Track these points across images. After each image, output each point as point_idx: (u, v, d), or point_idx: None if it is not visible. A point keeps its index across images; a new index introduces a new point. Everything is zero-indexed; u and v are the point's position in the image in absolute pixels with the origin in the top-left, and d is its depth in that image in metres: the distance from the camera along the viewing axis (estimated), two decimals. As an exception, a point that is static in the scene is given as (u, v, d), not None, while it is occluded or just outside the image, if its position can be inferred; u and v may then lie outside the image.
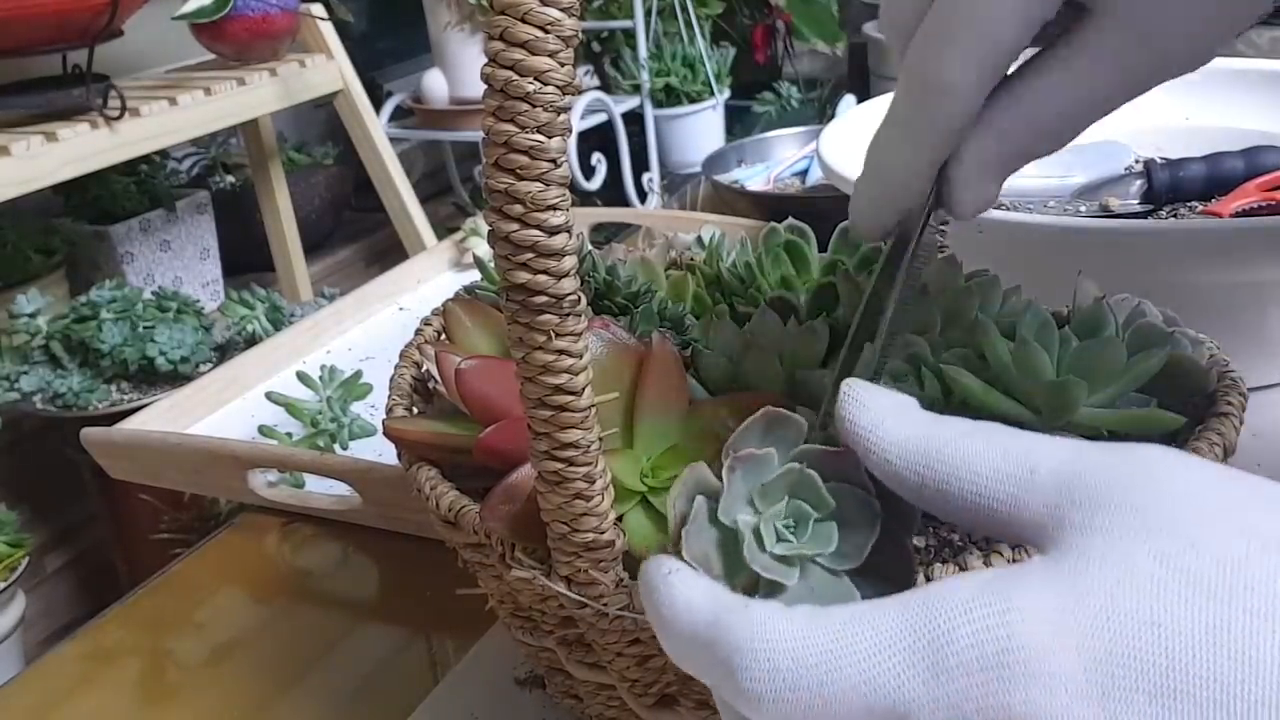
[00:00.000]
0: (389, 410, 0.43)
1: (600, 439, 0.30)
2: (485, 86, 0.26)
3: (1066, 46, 0.33)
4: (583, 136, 1.70)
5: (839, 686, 0.21)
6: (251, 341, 1.22)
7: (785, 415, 0.29)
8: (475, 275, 0.84)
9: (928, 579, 0.29)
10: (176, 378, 1.24)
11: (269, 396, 0.73)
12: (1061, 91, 0.33)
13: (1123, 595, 0.20)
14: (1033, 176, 0.79)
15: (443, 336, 0.48)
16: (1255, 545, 0.20)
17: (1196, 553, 0.20)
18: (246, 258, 1.70)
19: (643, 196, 1.79)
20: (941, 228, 0.48)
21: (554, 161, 0.27)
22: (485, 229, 0.28)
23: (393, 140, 1.59)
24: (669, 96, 1.79)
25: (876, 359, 0.35)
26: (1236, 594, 0.19)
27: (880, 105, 0.88)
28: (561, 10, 0.25)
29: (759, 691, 0.22)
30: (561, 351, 0.28)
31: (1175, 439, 0.36)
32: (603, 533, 0.31)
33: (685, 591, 0.24)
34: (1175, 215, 0.73)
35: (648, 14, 1.79)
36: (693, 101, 1.80)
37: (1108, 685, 0.19)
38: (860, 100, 1.14)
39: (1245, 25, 0.33)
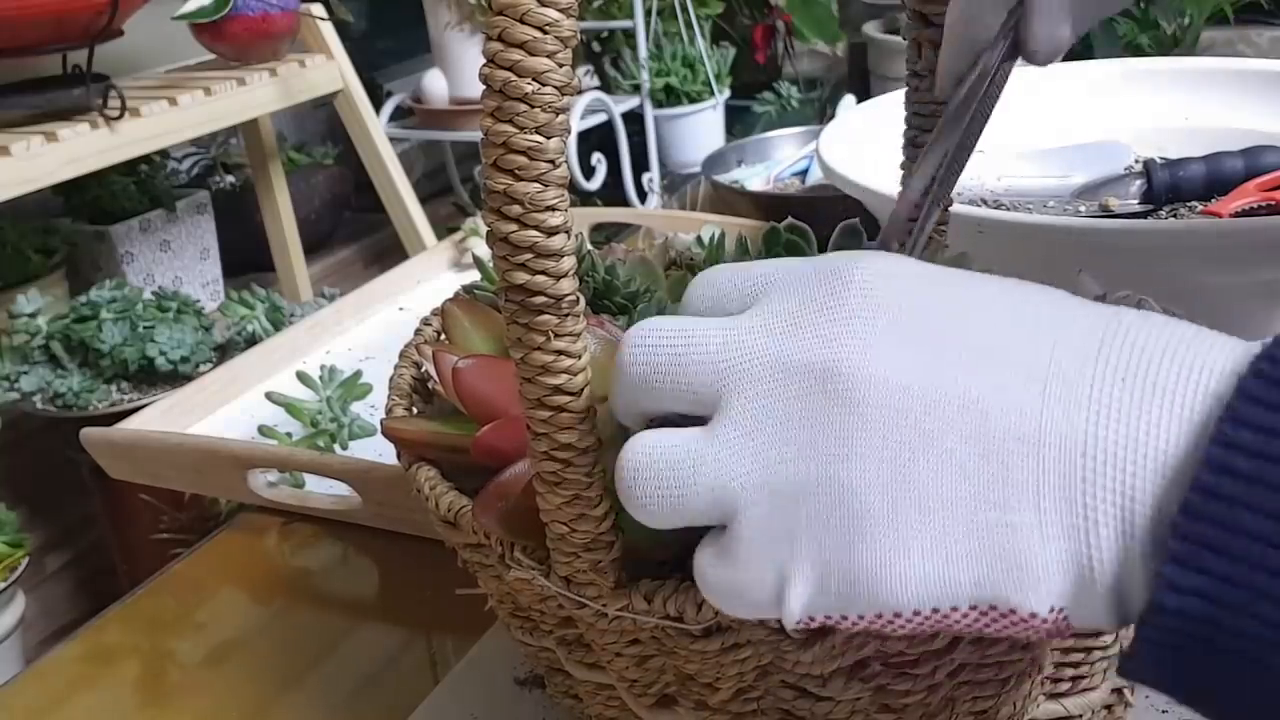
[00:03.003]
0: (388, 410, 0.43)
1: (600, 439, 0.30)
2: (484, 87, 0.26)
3: None
4: (583, 136, 1.70)
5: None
6: (251, 341, 1.22)
7: None
8: (475, 275, 0.84)
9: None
10: (176, 378, 1.24)
11: (269, 396, 0.73)
12: None
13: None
14: (1033, 176, 0.79)
15: (442, 336, 0.48)
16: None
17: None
18: (246, 258, 1.70)
19: (643, 196, 1.79)
20: (941, 227, 0.48)
21: (552, 162, 0.27)
22: (485, 229, 0.28)
23: (393, 140, 1.59)
24: (669, 96, 1.79)
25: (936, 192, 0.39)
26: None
27: (880, 105, 0.88)
28: (560, 11, 0.25)
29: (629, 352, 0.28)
30: (560, 352, 0.28)
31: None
32: (602, 533, 0.31)
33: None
34: (1175, 215, 0.73)
35: (648, 14, 1.79)
36: (693, 101, 1.80)
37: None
38: (860, 100, 1.14)
39: None
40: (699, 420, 0.28)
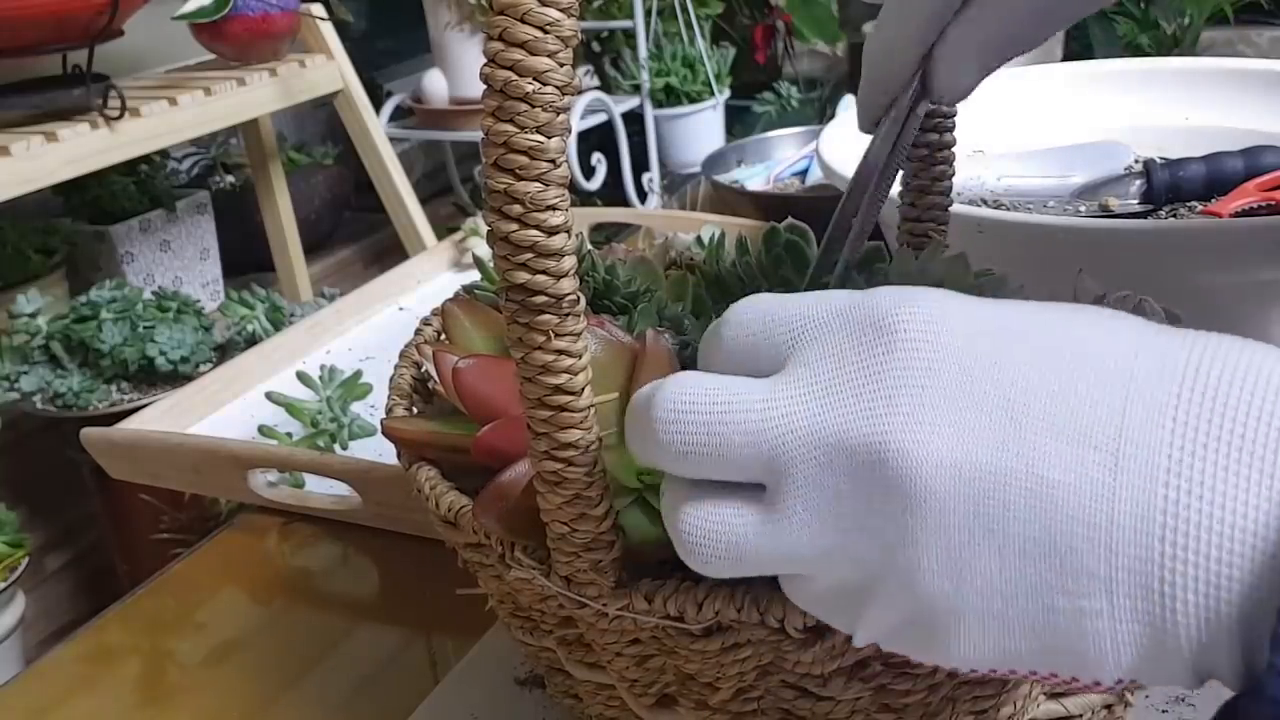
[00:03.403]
0: (389, 410, 0.43)
1: (599, 438, 0.30)
2: (485, 87, 0.26)
3: None
4: (583, 136, 1.70)
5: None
6: (251, 341, 1.22)
7: None
8: (475, 275, 0.84)
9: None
10: (176, 378, 1.24)
11: (269, 396, 0.73)
12: None
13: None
14: (1033, 176, 0.79)
15: (442, 336, 0.48)
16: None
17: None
18: (246, 258, 1.70)
19: (643, 196, 1.79)
20: (941, 227, 0.48)
21: (553, 162, 0.27)
22: (485, 229, 0.28)
23: (393, 140, 1.59)
24: (669, 96, 1.79)
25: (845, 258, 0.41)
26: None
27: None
28: (561, 10, 0.25)
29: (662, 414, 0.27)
30: (561, 352, 0.28)
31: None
32: (602, 533, 0.31)
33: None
34: (1175, 215, 0.73)
35: (648, 14, 1.79)
36: (693, 101, 1.80)
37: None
38: (860, 100, 1.14)
39: None
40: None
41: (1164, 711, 0.44)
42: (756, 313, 0.28)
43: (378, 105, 1.67)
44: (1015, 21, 0.37)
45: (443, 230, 1.38)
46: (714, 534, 0.26)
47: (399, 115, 1.85)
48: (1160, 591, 0.22)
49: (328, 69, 1.44)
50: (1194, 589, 0.21)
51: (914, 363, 0.24)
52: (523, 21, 0.25)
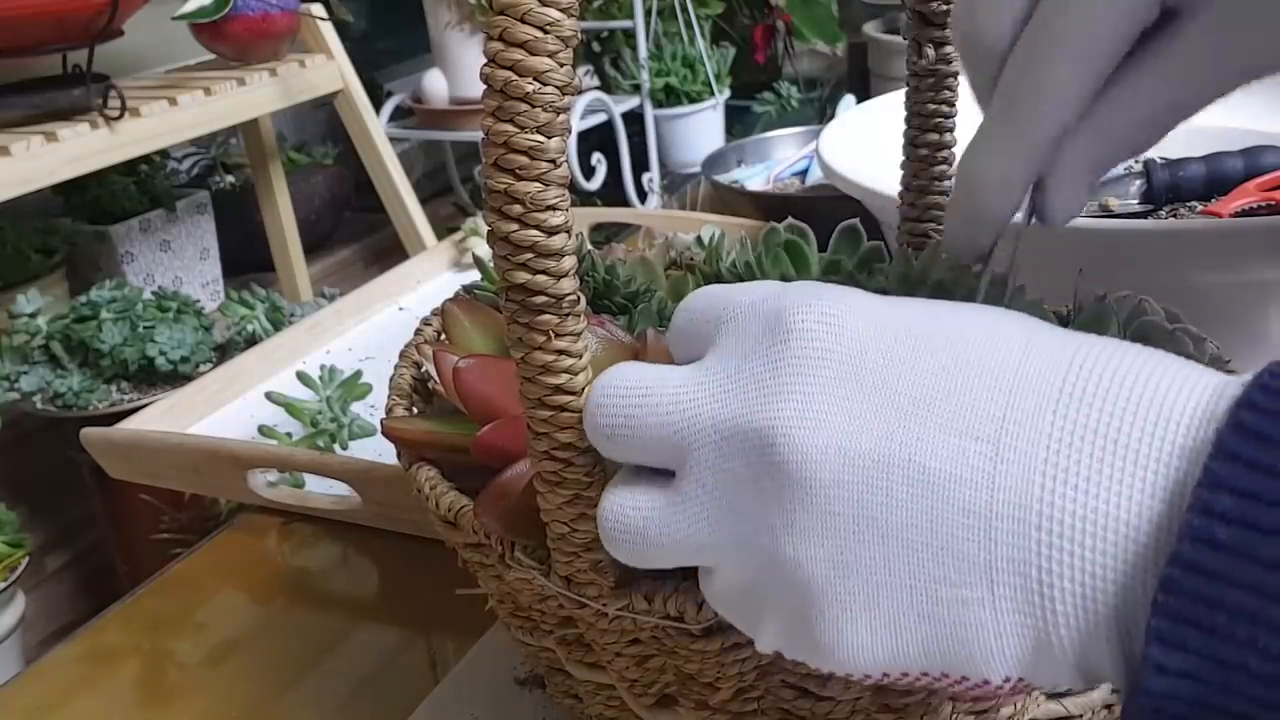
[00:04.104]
0: (388, 410, 0.43)
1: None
2: (485, 87, 0.26)
3: (1160, 50, 0.34)
4: (583, 136, 1.70)
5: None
6: (251, 341, 1.22)
7: None
8: (475, 275, 0.84)
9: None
10: (176, 378, 1.24)
11: (269, 396, 0.73)
12: (1157, 95, 0.34)
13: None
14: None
15: (442, 336, 0.48)
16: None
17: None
18: (246, 258, 1.70)
19: (643, 196, 1.79)
20: (941, 227, 0.48)
21: (553, 162, 0.27)
22: (485, 229, 0.28)
23: (393, 140, 1.59)
24: (669, 96, 1.79)
25: None
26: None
27: (880, 105, 0.88)
28: (561, 10, 0.25)
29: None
30: (561, 351, 0.28)
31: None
32: (602, 533, 0.31)
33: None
34: (1175, 215, 0.73)
35: (648, 14, 1.79)
36: (693, 101, 1.80)
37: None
38: (860, 100, 1.14)
39: None
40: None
41: (1164, 711, 0.44)
42: (700, 302, 0.30)
43: (378, 105, 1.67)
44: (1130, 131, 0.34)
45: (443, 230, 1.38)
46: (623, 516, 0.28)
47: (399, 115, 1.85)
48: (1039, 580, 0.22)
49: (328, 69, 1.44)
50: (1070, 578, 0.22)
51: (808, 354, 0.25)
52: (523, 21, 0.25)
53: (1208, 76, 0.34)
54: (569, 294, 0.28)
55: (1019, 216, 0.36)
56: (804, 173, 1.17)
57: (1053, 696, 0.36)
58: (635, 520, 0.28)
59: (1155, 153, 0.80)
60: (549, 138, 0.26)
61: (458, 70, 1.73)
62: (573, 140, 1.60)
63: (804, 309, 0.26)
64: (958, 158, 0.43)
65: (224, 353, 1.28)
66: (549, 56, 0.26)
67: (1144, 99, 0.34)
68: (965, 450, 0.23)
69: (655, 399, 0.27)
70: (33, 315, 1.25)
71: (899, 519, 0.23)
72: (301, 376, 0.74)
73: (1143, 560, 0.21)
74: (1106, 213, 0.73)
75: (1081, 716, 0.36)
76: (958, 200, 0.36)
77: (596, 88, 1.84)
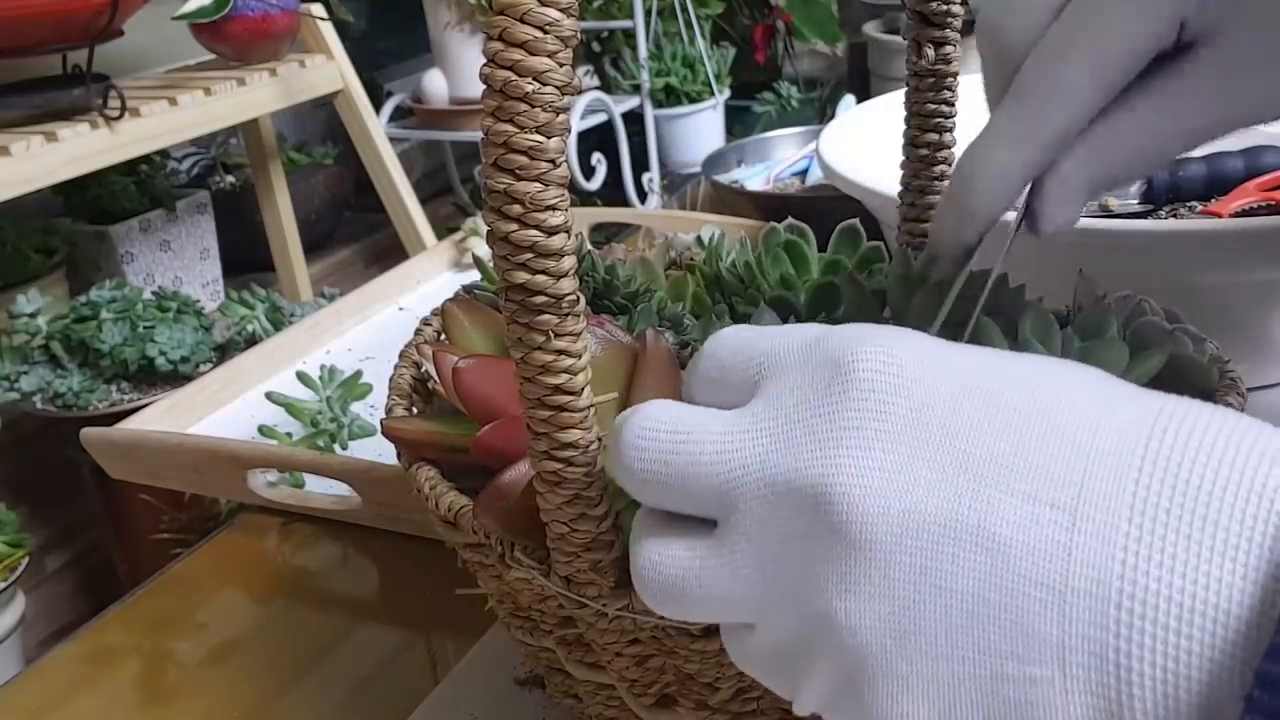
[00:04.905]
0: (389, 410, 0.43)
1: (600, 439, 0.30)
2: (484, 87, 0.26)
3: (1171, 78, 0.34)
4: (583, 136, 1.70)
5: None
6: (251, 341, 1.22)
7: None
8: (475, 275, 0.84)
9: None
10: (176, 378, 1.24)
11: (269, 396, 0.73)
12: (1161, 120, 0.34)
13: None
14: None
15: (442, 336, 0.48)
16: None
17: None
18: (246, 258, 1.70)
19: (643, 196, 1.79)
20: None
21: (553, 162, 0.27)
22: (485, 229, 0.28)
23: (393, 140, 1.59)
24: (669, 96, 1.79)
25: None
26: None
27: (880, 105, 0.88)
28: (560, 10, 0.25)
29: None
30: (560, 351, 0.28)
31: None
32: (602, 533, 0.31)
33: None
34: (1175, 215, 0.73)
35: (648, 14, 1.79)
36: (693, 101, 1.80)
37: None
38: (860, 100, 1.14)
39: None
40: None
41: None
42: (727, 346, 0.28)
43: (378, 105, 1.67)
44: (1132, 155, 0.35)
45: (443, 230, 1.38)
46: (662, 569, 0.26)
47: (399, 115, 1.85)
48: (1116, 662, 0.20)
49: (328, 69, 1.44)
50: (1151, 663, 0.20)
51: (869, 404, 0.24)
52: (522, 21, 0.25)
53: (1212, 114, 0.35)
54: (569, 294, 0.28)
55: (1010, 216, 0.36)
56: (804, 173, 1.17)
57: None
58: (675, 574, 0.26)
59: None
60: (549, 138, 0.26)
61: (458, 70, 1.73)
62: (573, 140, 1.60)
63: (863, 354, 0.24)
64: (958, 158, 0.43)
65: (224, 353, 1.28)
66: (549, 56, 0.26)
67: (1146, 125, 0.34)
68: (1039, 518, 0.21)
69: (697, 444, 0.25)
70: (33, 315, 1.25)
71: (964, 588, 0.22)
72: (301, 376, 0.74)
73: (1234, 650, 0.20)
74: (1106, 213, 0.73)
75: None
76: (951, 193, 0.36)
77: (596, 88, 1.84)
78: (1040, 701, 0.21)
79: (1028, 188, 0.36)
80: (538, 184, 0.26)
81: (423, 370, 0.46)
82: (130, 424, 0.73)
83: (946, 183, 0.47)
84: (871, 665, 0.23)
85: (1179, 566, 0.20)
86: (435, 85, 1.73)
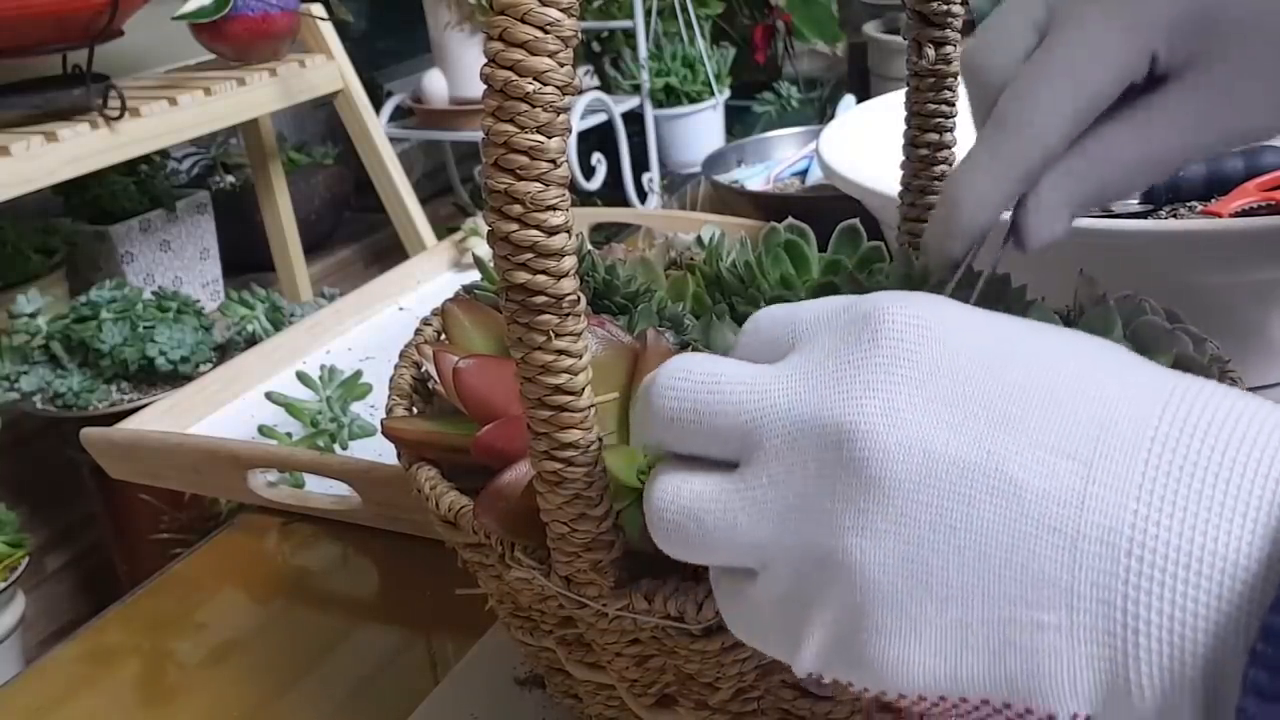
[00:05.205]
0: (389, 410, 0.43)
1: (600, 438, 0.30)
2: (485, 87, 0.26)
3: (1146, 108, 0.36)
4: (583, 136, 1.70)
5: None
6: (251, 341, 1.22)
7: None
8: (475, 275, 0.84)
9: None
10: (176, 378, 1.24)
11: (269, 396, 0.73)
12: (1136, 147, 0.36)
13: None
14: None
15: (442, 336, 0.48)
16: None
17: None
18: (246, 258, 1.70)
19: (643, 196, 1.79)
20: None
21: (553, 162, 0.27)
22: (485, 229, 0.28)
23: (393, 140, 1.59)
24: (669, 96, 1.79)
25: None
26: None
27: (880, 105, 0.88)
28: (561, 10, 0.25)
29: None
30: (561, 351, 0.28)
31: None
32: (602, 533, 0.31)
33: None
34: (1175, 215, 0.73)
35: (648, 14, 1.79)
36: (693, 101, 1.80)
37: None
38: (860, 100, 1.14)
39: None
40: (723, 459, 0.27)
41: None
42: (769, 316, 0.29)
43: (378, 105, 1.67)
44: (1115, 174, 0.36)
45: (443, 230, 1.38)
46: (678, 500, 0.26)
47: (399, 115, 1.85)
48: (1123, 610, 0.21)
49: (328, 69, 1.44)
50: (1158, 610, 0.21)
51: (895, 353, 0.24)
52: (523, 21, 0.25)
53: (1182, 143, 0.36)
54: (569, 294, 0.28)
55: (1004, 218, 0.38)
56: (804, 173, 1.17)
57: None
58: (692, 505, 0.26)
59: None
60: (549, 138, 0.26)
61: (458, 70, 1.73)
62: (573, 140, 1.60)
63: (894, 310, 0.25)
64: (958, 158, 0.44)
65: (224, 353, 1.28)
66: (549, 56, 0.26)
67: (1122, 150, 0.36)
68: (1056, 467, 0.22)
69: (726, 387, 0.26)
70: (33, 315, 1.25)
71: (978, 529, 0.22)
72: (301, 376, 0.74)
73: (1241, 603, 0.20)
74: (1106, 213, 0.73)
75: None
76: (937, 213, 0.38)
77: (596, 88, 1.84)
78: (1047, 647, 0.22)
79: (1014, 205, 0.37)
80: (538, 184, 0.26)
81: (423, 370, 0.46)
82: (130, 424, 0.73)
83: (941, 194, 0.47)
84: (880, 606, 0.23)
85: (1189, 519, 0.21)
86: (435, 85, 1.73)
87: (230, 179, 1.76)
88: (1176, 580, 0.20)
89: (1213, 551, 0.20)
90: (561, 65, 0.26)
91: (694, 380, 0.27)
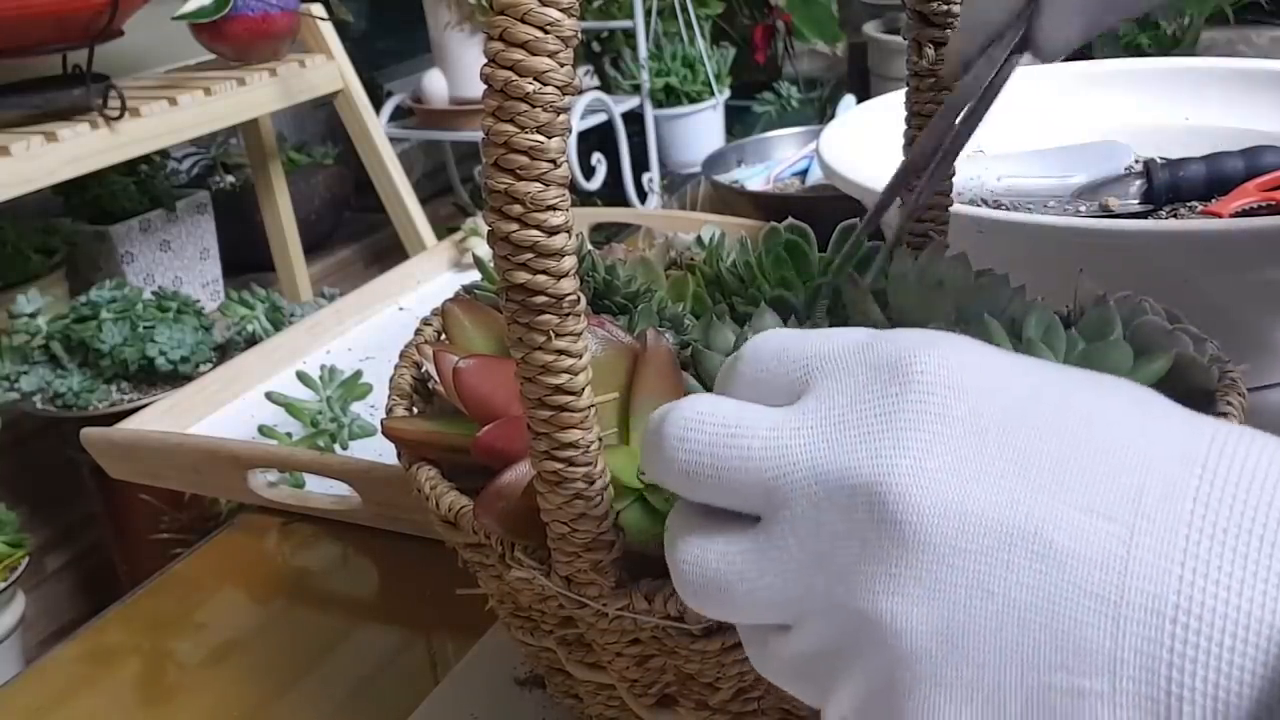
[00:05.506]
0: (389, 410, 0.43)
1: (600, 439, 0.30)
2: (485, 87, 0.26)
3: None
4: (583, 136, 1.70)
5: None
6: (251, 341, 1.22)
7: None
8: (475, 275, 0.84)
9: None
10: (176, 378, 1.24)
11: (269, 396, 0.73)
12: None
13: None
14: (1033, 177, 0.79)
15: (442, 336, 0.48)
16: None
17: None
18: (246, 258, 1.70)
19: (643, 196, 1.79)
20: (941, 227, 0.48)
21: (553, 162, 0.27)
22: (485, 229, 0.28)
23: (393, 140, 1.59)
24: (669, 96, 1.79)
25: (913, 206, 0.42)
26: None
27: (880, 105, 0.88)
28: (561, 10, 0.25)
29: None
30: (561, 352, 0.28)
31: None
32: (602, 533, 0.31)
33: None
34: (1175, 215, 0.73)
35: (648, 14, 1.79)
36: (693, 101, 1.80)
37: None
38: (860, 100, 1.14)
39: None
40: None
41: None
42: (771, 349, 0.27)
43: (378, 105, 1.67)
44: None
45: (443, 230, 1.38)
46: (705, 564, 0.26)
47: (399, 115, 1.85)
48: (1167, 677, 0.20)
49: (328, 69, 1.44)
50: (1203, 678, 0.20)
51: (928, 407, 0.23)
52: (523, 21, 0.25)
53: None
54: (569, 294, 0.28)
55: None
56: (804, 173, 1.17)
57: None
58: (720, 569, 0.25)
59: (1155, 153, 0.80)
60: (549, 138, 0.26)
61: (458, 70, 1.73)
62: (573, 140, 1.60)
63: (921, 358, 0.24)
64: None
65: (224, 353, 1.28)
66: (549, 56, 0.26)
67: None
68: (1096, 530, 0.21)
69: (745, 439, 0.25)
70: (33, 315, 1.25)
71: (1017, 595, 0.22)
72: (301, 376, 0.74)
73: None
74: (1106, 213, 0.73)
75: None
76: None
77: (596, 88, 1.84)
78: (1087, 714, 0.21)
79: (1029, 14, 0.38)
80: (538, 184, 0.26)
81: (423, 370, 0.46)
82: (130, 424, 0.73)
83: (949, 185, 0.47)
84: (914, 670, 0.23)
85: (1235, 584, 0.20)
86: (435, 85, 1.73)
87: (230, 179, 1.76)
88: (1222, 648, 0.20)
89: (1259, 619, 0.20)
90: (561, 65, 0.26)
91: (709, 432, 0.26)
